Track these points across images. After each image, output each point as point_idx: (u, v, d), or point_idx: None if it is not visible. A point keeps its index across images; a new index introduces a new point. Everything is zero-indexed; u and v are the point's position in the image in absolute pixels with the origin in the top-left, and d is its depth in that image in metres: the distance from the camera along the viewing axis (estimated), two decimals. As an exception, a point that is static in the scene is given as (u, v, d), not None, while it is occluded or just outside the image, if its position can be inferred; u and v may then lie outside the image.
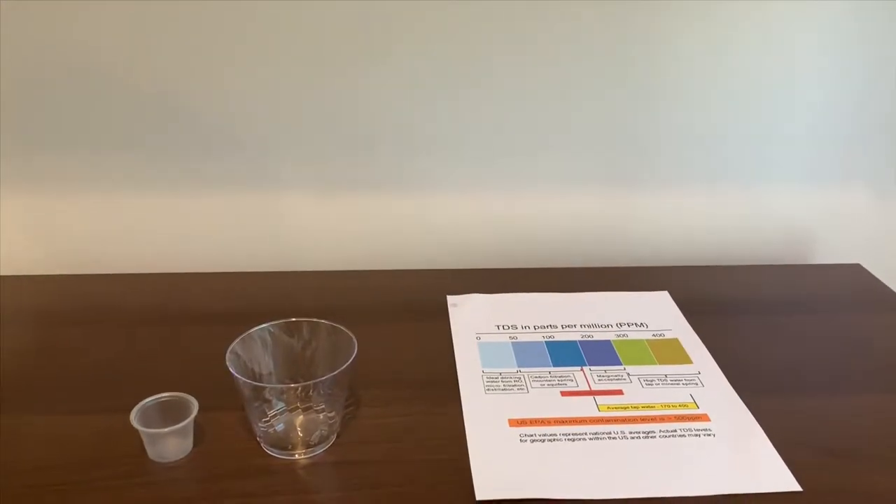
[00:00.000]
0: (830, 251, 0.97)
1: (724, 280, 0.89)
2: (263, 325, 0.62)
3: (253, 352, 0.62)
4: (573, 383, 0.69)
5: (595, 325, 0.78)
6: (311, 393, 0.59)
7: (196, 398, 0.59)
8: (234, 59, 0.82)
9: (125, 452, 0.59)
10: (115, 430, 0.60)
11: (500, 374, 0.70)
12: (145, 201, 0.88)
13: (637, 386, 0.68)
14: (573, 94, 0.86)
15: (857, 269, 0.92)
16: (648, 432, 0.63)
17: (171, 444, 0.58)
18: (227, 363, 0.58)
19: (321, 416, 0.60)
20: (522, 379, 0.69)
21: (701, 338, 0.76)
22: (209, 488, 0.56)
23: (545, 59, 0.84)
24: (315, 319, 0.63)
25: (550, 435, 0.62)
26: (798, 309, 0.83)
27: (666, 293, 0.84)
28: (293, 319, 0.63)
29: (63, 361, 0.70)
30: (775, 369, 0.72)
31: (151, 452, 0.58)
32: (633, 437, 0.62)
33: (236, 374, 0.57)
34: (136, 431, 0.57)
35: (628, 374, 0.70)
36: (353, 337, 0.61)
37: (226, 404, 0.62)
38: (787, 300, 0.85)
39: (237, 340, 0.60)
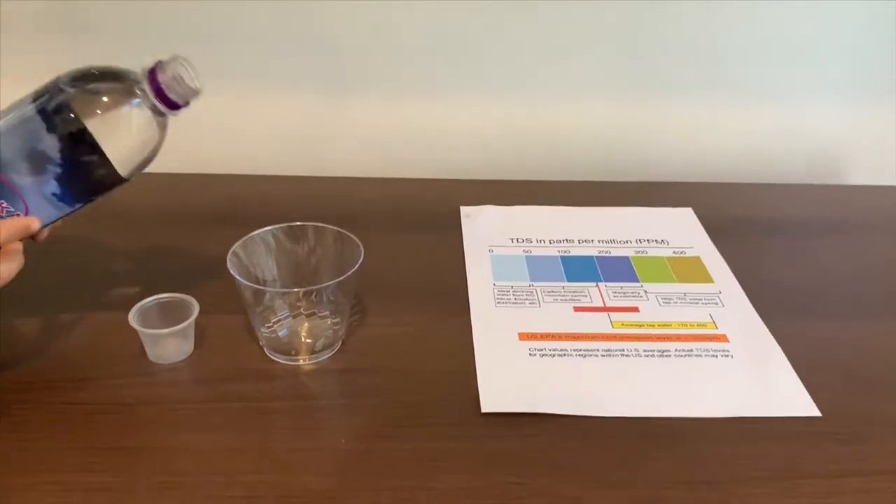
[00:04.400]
0: (867, 172, 0.93)
1: (752, 198, 0.85)
2: (267, 228, 0.60)
3: (256, 255, 0.60)
4: (587, 299, 0.66)
5: (613, 241, 0.75)
6: (314, 298, 0.57)
7: (199, 301, 0.58)
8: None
9: (125, 352, 0.58)
10: (114, 329, 0.59)
11: (512, 287, 0.68)
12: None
13: (654, 304, 0.66)
14: (601, -5, 0.81)
15: (891, 191, 0.88)
16: (663, 351, 0.60)
17: (170, 345, 0.57)
18: (228, 264, 0.56)
19: (327, 322, 0.59)
20: (535, 293, 0.67)
21: (724, 257, 0.73)
22: (210, 391, 0.55)
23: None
24: (321, 224, 0.61)
25: (561, 350, 0.60)
26: (829, 231, 0.79)
27: (690, 210, 0.81)
28: (297, 223, 0.61)
29: (64, 259, 0.69)
30: (801, 292, 0.69)
31: (151, 353, 0.57)
32: (646, 355, 0.60)
33: (237, 276, 0.55)
34: (136, 331, 0.56)
35: (645, 292, 0.67)
36: (360, 244, 0.58)
37: (229, 308, 0.60)
38: (818, 221, 0.81)
39: (239, 242, 0.58)
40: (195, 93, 0.53)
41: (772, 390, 0.57)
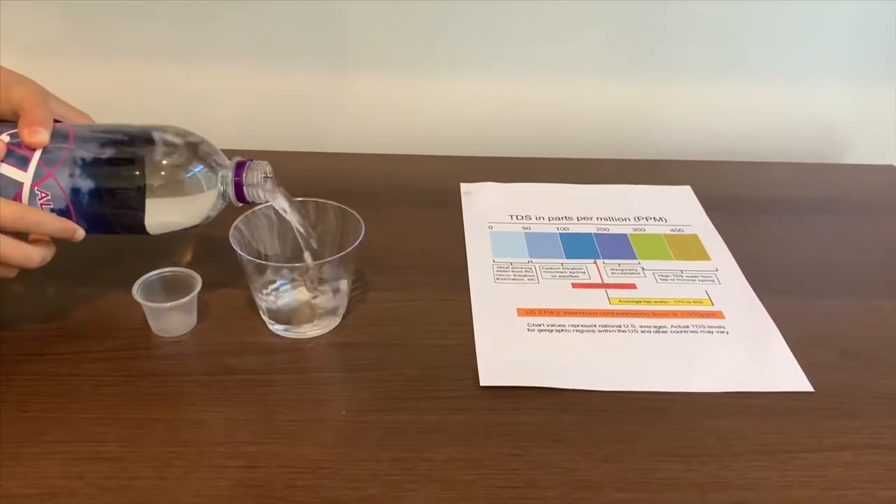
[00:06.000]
0: (864, 151, 0.93)
1: (750, 177, 0.86)
2: (269, 203, 0.60)
3: (258, 230, 0.60)
4: (585, 276, 0.67)
5: (612, 218, 0.75)
6: (316, 273, 0.58)
7: (202, 275, 0.58)
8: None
9: (129, 325, 0.58)
10: (118, 303, 0.60)
11: (511, 263, 0.68)
12: (151, 70, 0.85)
13: (651, 280, 0.67)
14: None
15: (890, 170, 0.88)
16: (660, 327, 0.61)
17: (174, 318, 0.58)
18: (230, 239, 0.56)
19: (328, 296, 0.59)
20: (533, 269, 0.67)
21: (722, 235, 0.73)
22: (212, 364, 0.56)
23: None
24: (322, 200, 0.61)
25: (559, 326, 0.61)
26: (826, 209, 0.80)
27: (688, 188, 0.81)
28: (299, 199, 0.61)
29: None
30: (797, 270, 0.70)
31: (155, 327, 0.58)
32: (643, 331, 0.61)
33: (239, 251, 0.56)
34: (139, 305, 0.57)
35: (643, 269, 0.68)
36: (361, 219, 0.59)
37: (232, 282, 0.61)
38: (814, 200, 0.81)
39: (241, 217, 0.59)
40: (264, 201, 0.57)
41: (766, 366, 0.58)
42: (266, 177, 0.56)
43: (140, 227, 0.54)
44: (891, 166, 0.89)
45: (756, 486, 0.48)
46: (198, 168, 0.54)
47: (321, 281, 0.58)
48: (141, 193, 0.53)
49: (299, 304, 0.59)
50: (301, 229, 0.58)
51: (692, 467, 0.50)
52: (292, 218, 0.58)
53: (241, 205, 0.57)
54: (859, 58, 0.87)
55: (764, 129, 0.91)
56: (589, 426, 0.52)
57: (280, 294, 0.59)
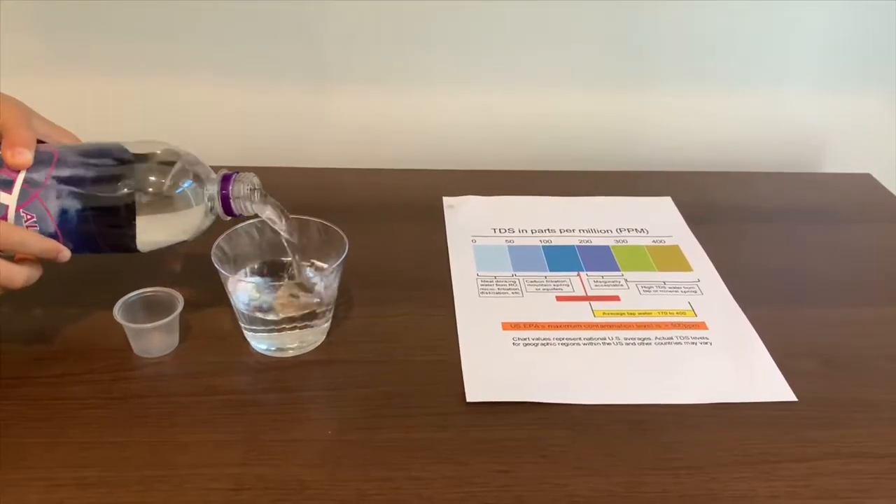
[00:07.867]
0: (841, 160, 0.94)
1: (729, 187, 0.86)
2: (251, 221, 0.60)
3: (240, 248, 0.60)
4: (569, 288, 0.67)
5: (594, 230, 0.76)
6: (298, 291, 0.57)
7: (184, 294, 0.58)
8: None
9: (110, 347, 0.58)
10: (98, 324, 0.59)
11: (495, 277, 0.68)
12: (132, 87, 0.84)
13: (635, 292, 0.67)
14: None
15: (867, 178, 0.89)
16: (644, 339, 0.61)
17: (156, 339, 0.57)
18: (213, 258, 0.56)
19: (312, 313, 0.59)
20: (517, 283, 0.68)
21: (703, 245, 0.74)
22: (196, 384, 0.55)
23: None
24: (305, 217, 0.61)
25: (544, 339, 0.61)
26: (805, 218, 0.80)
27: (668, 199, 0.82)
28: (282, 216, 0.61)
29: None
30: (778, 279, 0.70)
31: (136, 347, 0.57)
32: (628, 344, 0.61)
33: (221, 269, 0.55)
34: (120, 326, 0.56)
35: (626, 281, 0.68)
36: (344, 236, 0.59)
37: (214, 301, 0.60)
38: (793, 209, 0.82)
39: (223, 235, 0.58)
40: (253, 214, 0.56)
41: (749, 376, 0.58)
42: (253, 188, 0.56)
43: (128, 246, 0.54)
44: (867, 175, 0.90)
45: (743, 497, 0.49)
46: (186, 183, 0.53)
47: (305, 298, 0.58)
48: (129, 212, 0.52)
49: (282, 320, 0.58)
50: (290, 239, 0.58)
51: (679, 479, 0.50)
52: (281, 228, 0.57)
53: (229, 218, 0.56)
54: (835, 67, 0.88)
55: (742, 139, 0.92)
56: (576, 440, 0.52)
57: (263, 311, 0.58)
